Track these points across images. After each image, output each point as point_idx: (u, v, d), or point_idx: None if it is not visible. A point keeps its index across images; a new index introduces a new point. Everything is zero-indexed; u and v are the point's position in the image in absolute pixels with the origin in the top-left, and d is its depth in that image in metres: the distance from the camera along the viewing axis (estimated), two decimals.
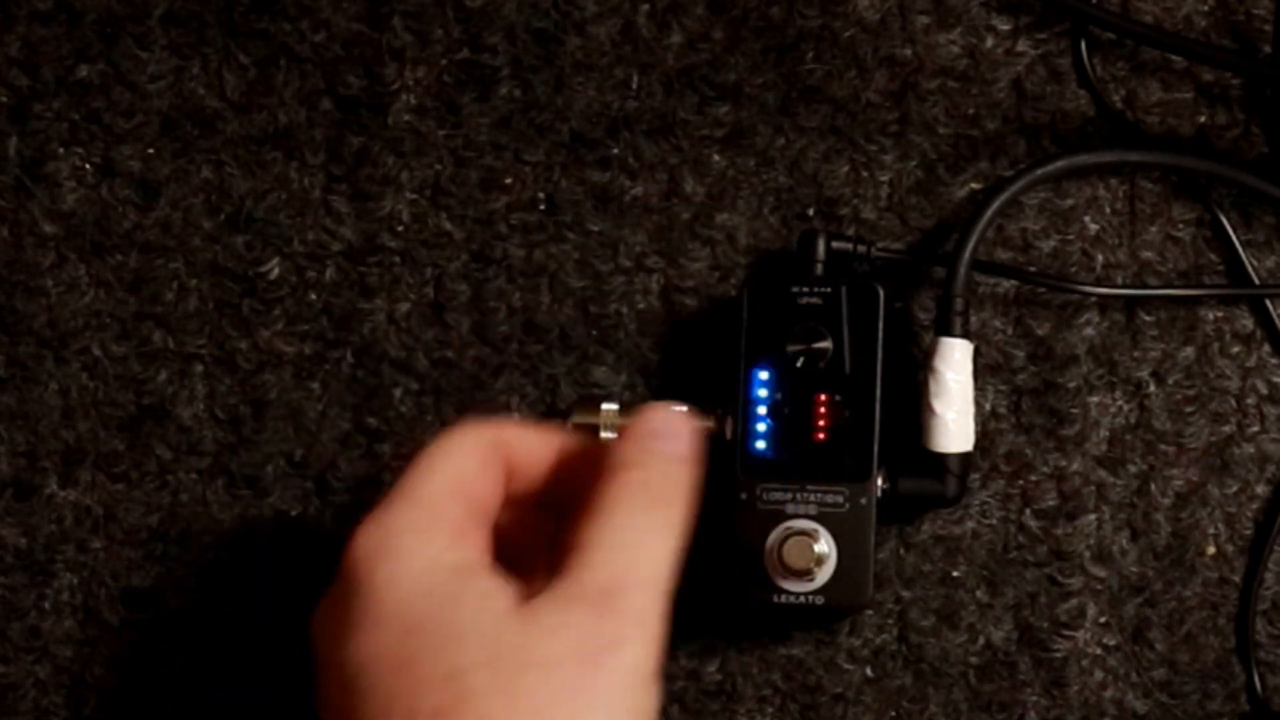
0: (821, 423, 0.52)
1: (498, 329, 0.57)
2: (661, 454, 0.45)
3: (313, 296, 0.57)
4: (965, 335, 0.53)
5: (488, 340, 0.57)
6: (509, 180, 0.57)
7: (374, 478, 0.57)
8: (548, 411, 0.56)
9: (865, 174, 0.57)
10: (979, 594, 0.56)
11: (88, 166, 0.58)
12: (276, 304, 0.57)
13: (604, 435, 0.54)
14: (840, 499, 0.52)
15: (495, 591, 0.42)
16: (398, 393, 0.57)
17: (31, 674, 0.57)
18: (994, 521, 0.56)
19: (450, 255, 0.57)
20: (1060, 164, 0.54)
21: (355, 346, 0.57)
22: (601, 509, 0.44)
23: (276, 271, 0.57)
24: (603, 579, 0.42)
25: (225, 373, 0.57)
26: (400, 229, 0.57)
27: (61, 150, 0.58)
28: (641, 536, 0.43)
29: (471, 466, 0.45)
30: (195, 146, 0.58)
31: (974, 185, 0.57)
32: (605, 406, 0.54)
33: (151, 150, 0.58)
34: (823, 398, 0.52)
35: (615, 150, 0.57)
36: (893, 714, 0.56)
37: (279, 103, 0.58)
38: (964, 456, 0.53)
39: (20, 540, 0.57)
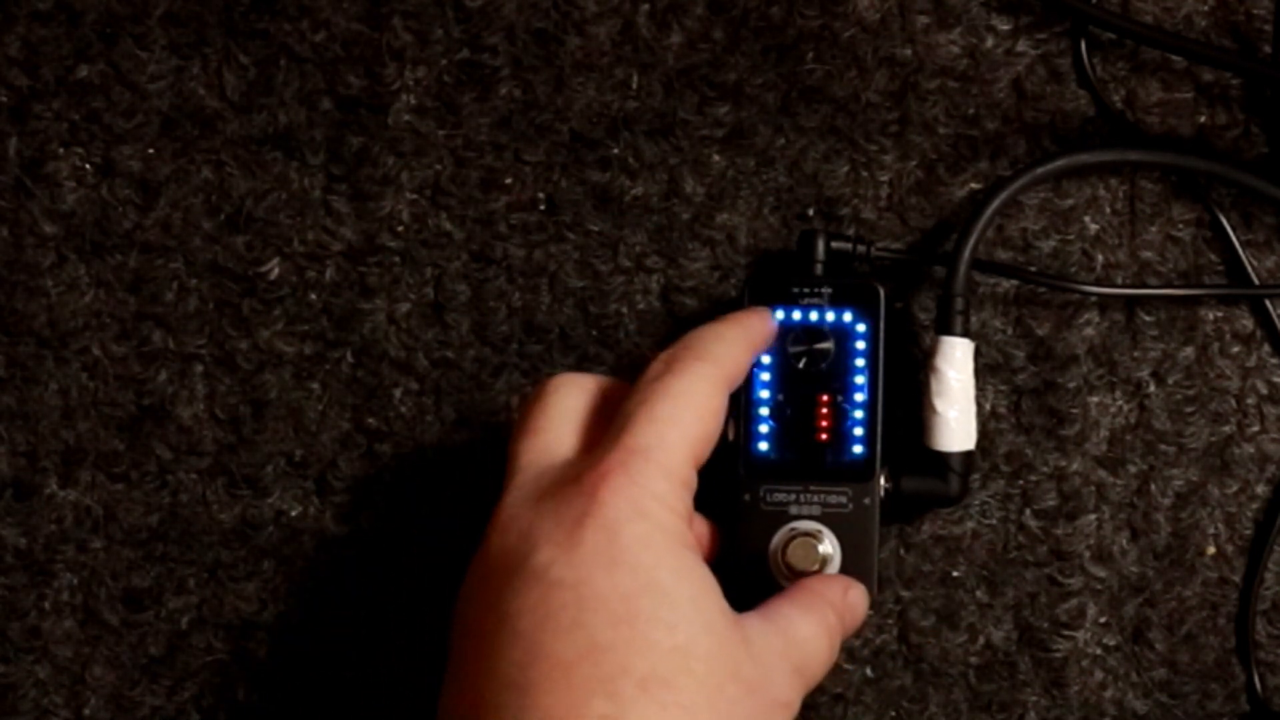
0: (824, 423, 0.51)
1: (498, 329, 0.56)
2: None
3: (313, 296, 0.57)
4: (966, 334, 0.51)
5: (488, 340, 0.56)
6: (509, 180, 0.57)
7: (374, 477, 0.56)
8: None
9: (865, 174, 0.56)
10: (979, 594, 0.55)
11: (88, 166, 0.57)
12: (276, 304, 0.57)
13: None
14: (844, 499, 0.51)
15: (715, 585, 0.43)
16: (398, 393, 0.56)
17: (31, 674, 0.56)
18: (994, 521, 0.55)
19: (450, 255, 0.56)
20: (1060, 163, 0.53)
21: (355, 346, 0.56)
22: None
23: (276, 271, 0.57)
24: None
25: (225, 373, 0.56)
26: (400, 229, 0.57)
27: (61, 150, 0.57)
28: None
29: (711, 429, 0.46)
30: (195, 146, 0.57)
31: (974, 185, 0.56)
32: None
33: (151, 150, 0.57)
34: (825, 398, 0.51)
35: (615, 150, 0.56)
36: (893, 714, 0.55)
37: (279, 103, 0.57)
38: (966, 455, 0.52)
39: (20, 540, 0.56)
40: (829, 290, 0.52)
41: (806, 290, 0.52)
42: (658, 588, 0.42)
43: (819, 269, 0.53)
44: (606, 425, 0.47)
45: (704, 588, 0.43)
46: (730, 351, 0.47)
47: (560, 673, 0.40)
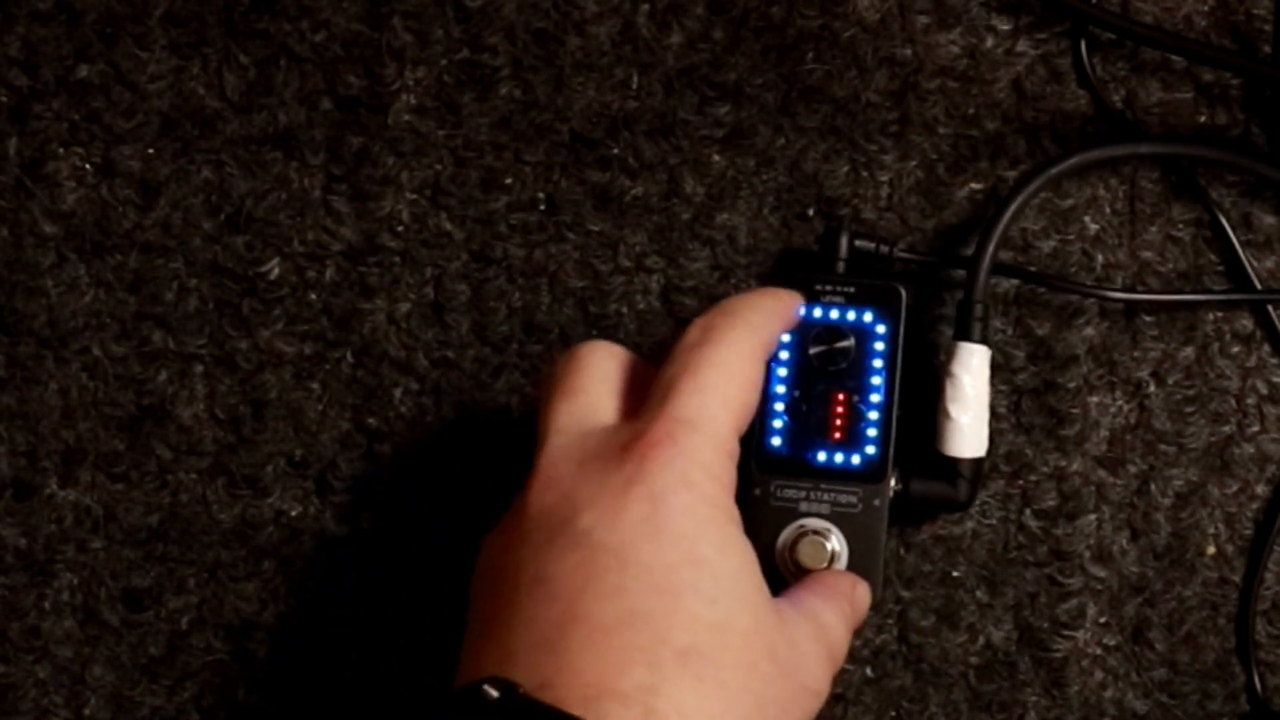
0: (839, 422, 0.51)
1: (498, 329, 0.56)
2: None
3: (313, 296, 0.56)
4: (984, 341, 0.51)
5: (488, 340, 0.56)
6: (509, 180, 0.56)
7: (374, 477, 0.56)
8: None
9: (865, 174, 0.56)
10: (979, 594, 0.55)
11: (88, 166, 0.57)
12: (276, 304, 0.56)
13: None
14: (854, 499, 0.50)
15: (755, 563, 0.43)
16: (398, 393, 0.56)
17: (31, 674, 0.56)
18: (994, 521, 0.55)
19: (450, 255, 0.56)
20: (1073, 160, 0.51)
21: (355, 346, 0.56)
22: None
23: (276, 271, 0.56)
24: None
25: (225, 373, 0.56)
26: (400, 229, 0.56)
27: (61, 150, 0.57)
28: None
29: (751, 398, 0.46)
30: (195, 146, 0.57)
31: (974, 185, 0.56)
32: None
33: (151, 150, 0.57)
34: (841, 397, 0.51)
35: (615, 150, 0.56)
36: (893, 714, 0.55)
37: (279, 103, 0.57)
38: (976, 462, 0.51)
39: (20, 540, 0.56)
40: (851, 289, 0.51)
41: (829, 288, 0.51)
42: (700, 560, 0.41)
43: (841, 266, 0.52)
44: (641, 392, 0.47)
45: (745, 563, 0.43)
46: (765, 321, 0.47)
47: (600, 636, 0.40)
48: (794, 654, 0.43)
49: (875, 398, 0.50)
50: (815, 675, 0.44)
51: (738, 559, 0.43)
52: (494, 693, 0.38)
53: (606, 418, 0.46)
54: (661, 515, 0.42)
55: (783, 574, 0.50)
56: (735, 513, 0.44)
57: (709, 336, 0.45)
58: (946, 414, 0.51)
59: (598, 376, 0.46)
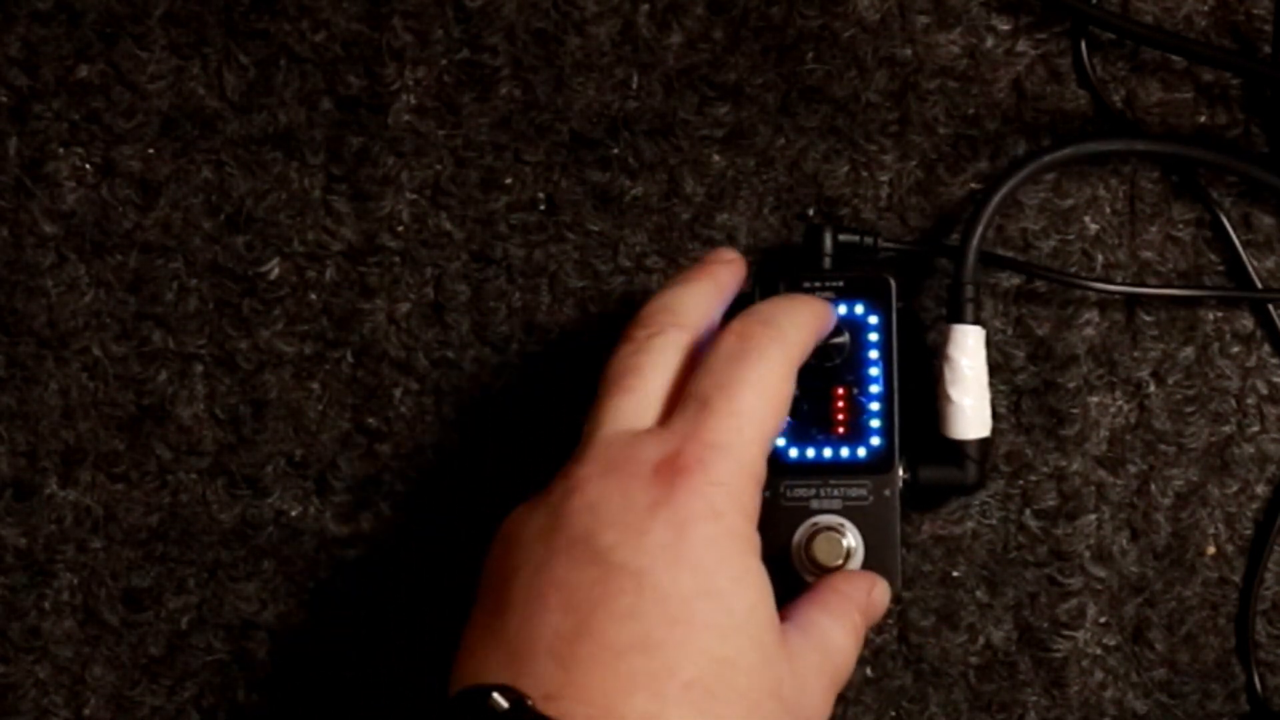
0: (841, 416, 0.51)
1: (498, 329, 0.56)
2: None
3: (313, 296, 0.56)
4: (977, 322, 0.51)
5: (488, 340, 0.56)
6: (509, 180, 0.56)
7: (374, 477, 0.56)
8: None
9: (865, 174, 0.56)
10: (979, 594, 0.55)
11: (88, 166, 0.57)
12: (276, 304, 0.56)
13: None
14: (864, 492, 0.50)
15: (770, 595, 0.43)
16: (398, 393, 0.56)
17: (31, 674, 0.56)
18: (994, 521, 0.55)
19: (450, 255, 0.56)
20: (1067, 151, 0.52)
21: (355, 346, 0.56)
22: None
23: (276, 271, 0.56)
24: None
25: (225, 373, 0.56)
26: (400, 229, 0.56)
27: (61, 150, 0.57)
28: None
29: (783, 418, 0.45)
30: (195, 146, 0.57)
31: (974, 185, 0.55)
32: None
33: (151, 150, 0.57)
34: (840, 391, 0.51)
35: (615, 150, 0.56)
36: (893, 714, 0.55)
37: (279, 103, 0.57)
38: (983, 442, 0.51)
39: (20, 540, 0.56)
40: (840, 284, 0.51)
41: (818, 284, 0.51)
42: (717, 592, 0.41)
43: (827, 262, 0.52)
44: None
45: (760, 597, 0.42)
46: (800, 334, 0.46)
47: (610, 656, 0.40)
48: (799, 692, 0.43)
49: (875, 389, 0.50)
50: (817, 708, 0.44)
51: (754, 593, 0.42)
52: (504, 703, 0.38)
53: (648, 422, 0.45)
54: (684, 544, 0.41)
55: (800, 572, 0.49)
56: (757, 540, 0.43)
57: (746, 349, 0.45)
58: (947, 397, 0.51)
59: (659, 371, 0.45)
